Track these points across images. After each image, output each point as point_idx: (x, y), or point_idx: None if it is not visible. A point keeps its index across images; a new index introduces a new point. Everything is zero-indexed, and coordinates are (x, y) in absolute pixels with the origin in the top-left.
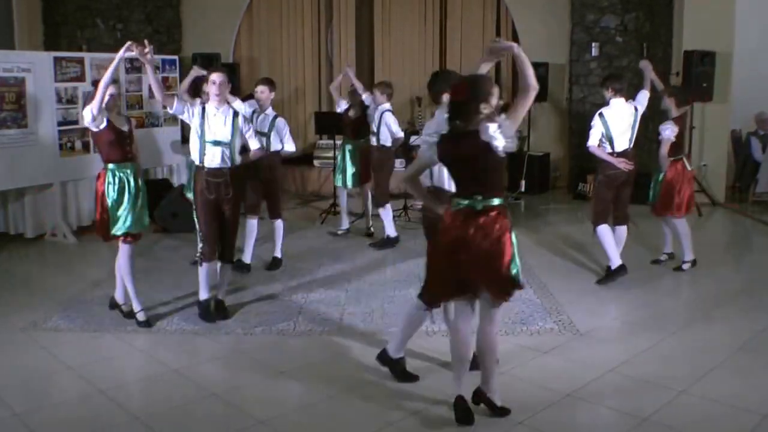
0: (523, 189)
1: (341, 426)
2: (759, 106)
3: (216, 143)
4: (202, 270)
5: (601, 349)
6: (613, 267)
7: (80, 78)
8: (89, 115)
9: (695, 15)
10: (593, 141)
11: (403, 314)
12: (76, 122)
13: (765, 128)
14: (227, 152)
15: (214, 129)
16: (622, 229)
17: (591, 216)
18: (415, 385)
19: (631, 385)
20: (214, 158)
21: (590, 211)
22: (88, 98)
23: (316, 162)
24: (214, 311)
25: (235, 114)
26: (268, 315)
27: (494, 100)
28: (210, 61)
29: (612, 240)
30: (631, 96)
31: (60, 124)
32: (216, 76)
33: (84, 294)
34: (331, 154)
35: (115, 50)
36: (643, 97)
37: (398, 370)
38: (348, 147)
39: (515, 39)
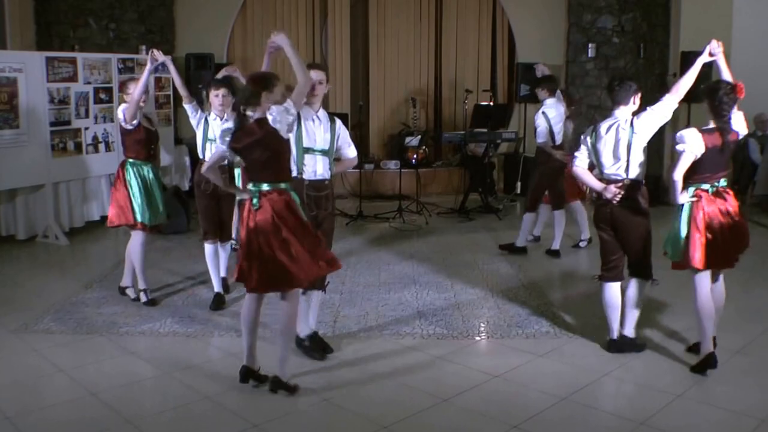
0: (518, 191)
1: (336, 429)
2: (757, 108)
3: (317, 152)
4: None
5: (597, 353)
6: (520, 245)
7: (73, 78)
8: (121, 114)
9: (692, 16)
10: (543, 138)
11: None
12: (68, 123)
13: (764, 129)
14: (328, 161)
15: (313, 136)
16: (562, 212)
17: (527, 203)
18: (410, 389)
19: (628, 388)
20: (315, 169)
21: (527, 199)
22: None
23: None
24: (317, 348)
25: (332, 119)
26: (261, 318)
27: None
28: (204, 62)
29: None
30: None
31: (52, 124)
32: (315, 74)
33: (76, 296)
34: None
35: (108, 50)
36: (559, 95)
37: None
38: None
39: (511, 39)
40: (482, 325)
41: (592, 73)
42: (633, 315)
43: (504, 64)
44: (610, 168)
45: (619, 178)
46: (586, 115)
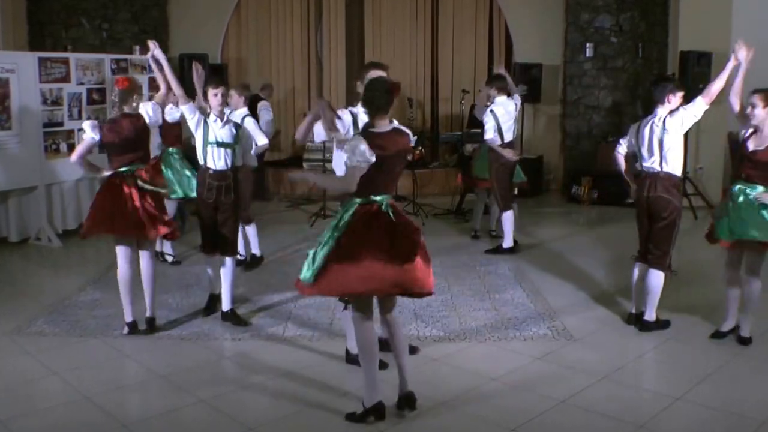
0: (516, 192)
1: None
2: None
3: None
4: None
5: (595, 355)
6: (507, 246)
7: (65, 79)
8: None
9: (691, 15)
10: (491, 135)
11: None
12: (61, 124)
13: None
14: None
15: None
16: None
17: (500, 202)
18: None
19: (626, 391)
20: None
21: (498, 199)
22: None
23: (305, 165)
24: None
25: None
26: (256, 320)
27: None
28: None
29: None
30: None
31: (45, 125)
32: (380, 73)
33: (69, 298)
34: (320, 157)
35: (101, 50)
36: (517, 92)
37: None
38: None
39: (508, 39)
40: (479, 327)
41: (590, 73)
42: (652, 301)
43: (500, 57)
44: (647, 161)
45: (654, 170)
46: (584, 116)
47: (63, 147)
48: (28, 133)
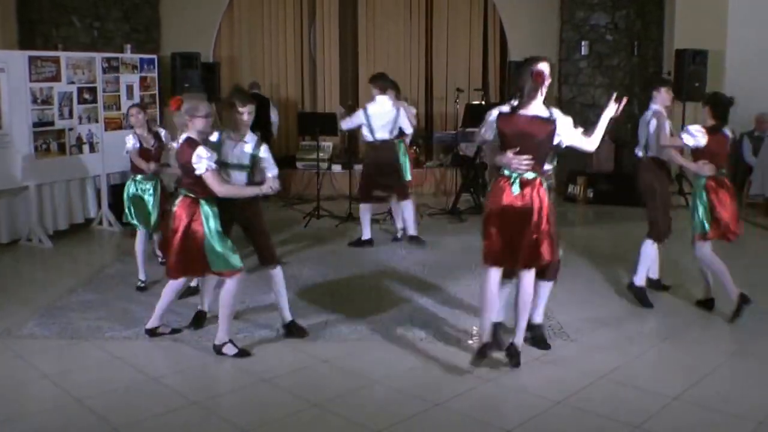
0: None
1: None
2: (752, 106)
3: None
4: None
5: (593, 355)
6: (365, 238)
7: (56, 78)
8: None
9: (687, 13)
10: (345, 127)
11: None
12: (51, 123)
13: (763, 130)
14: None
15: None
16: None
17: (361, 195)
18: (402, 394)
19: (624, 391)
20: None
21: (359, 192)
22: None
23: (299, 164)
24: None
25: None
26: (249, 322)
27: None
28: (190, 61)
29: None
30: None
31: (35, 125)
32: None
33: (60, 300)
34: (314, 156)
35: (92, 49)
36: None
37: None
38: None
39: (503, 38)
40: (475, 327)
41: (586, 71)
42: (639, 264)
43: (496, 63)
44: (637, 147)
45: (639, 156)
46: (580, 115)
47: (54, 147)
48: (18, 132)
